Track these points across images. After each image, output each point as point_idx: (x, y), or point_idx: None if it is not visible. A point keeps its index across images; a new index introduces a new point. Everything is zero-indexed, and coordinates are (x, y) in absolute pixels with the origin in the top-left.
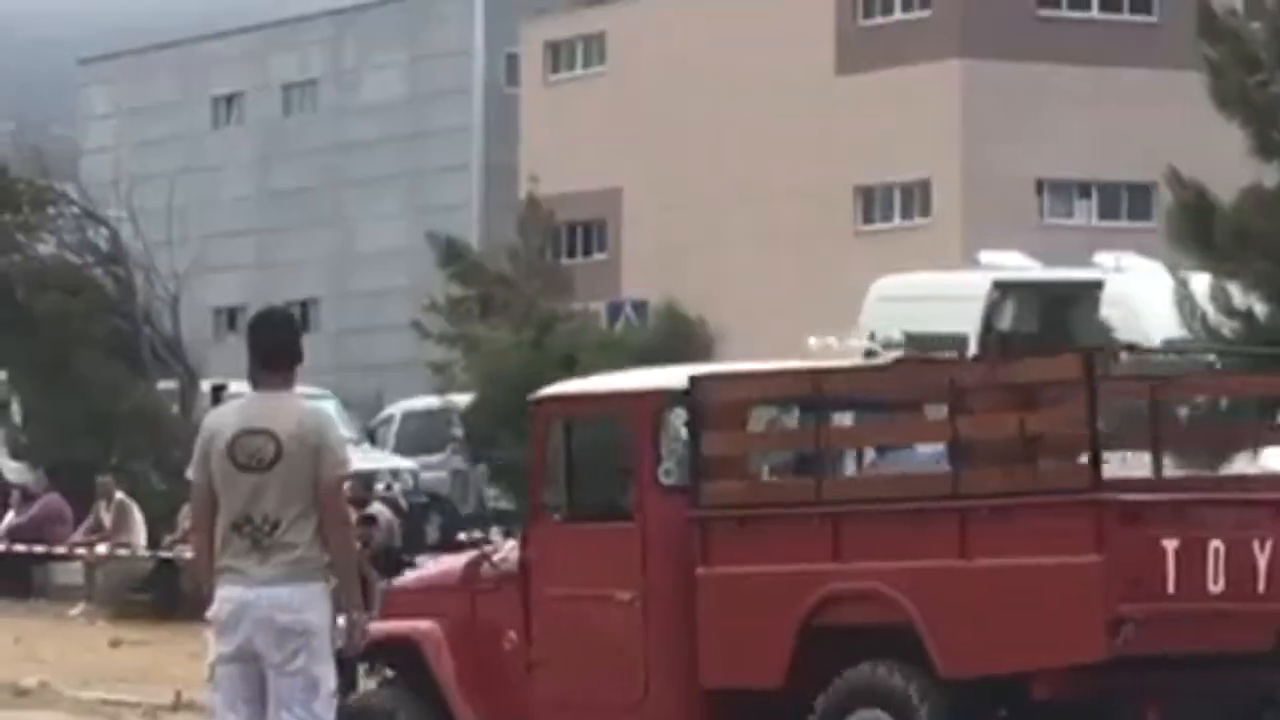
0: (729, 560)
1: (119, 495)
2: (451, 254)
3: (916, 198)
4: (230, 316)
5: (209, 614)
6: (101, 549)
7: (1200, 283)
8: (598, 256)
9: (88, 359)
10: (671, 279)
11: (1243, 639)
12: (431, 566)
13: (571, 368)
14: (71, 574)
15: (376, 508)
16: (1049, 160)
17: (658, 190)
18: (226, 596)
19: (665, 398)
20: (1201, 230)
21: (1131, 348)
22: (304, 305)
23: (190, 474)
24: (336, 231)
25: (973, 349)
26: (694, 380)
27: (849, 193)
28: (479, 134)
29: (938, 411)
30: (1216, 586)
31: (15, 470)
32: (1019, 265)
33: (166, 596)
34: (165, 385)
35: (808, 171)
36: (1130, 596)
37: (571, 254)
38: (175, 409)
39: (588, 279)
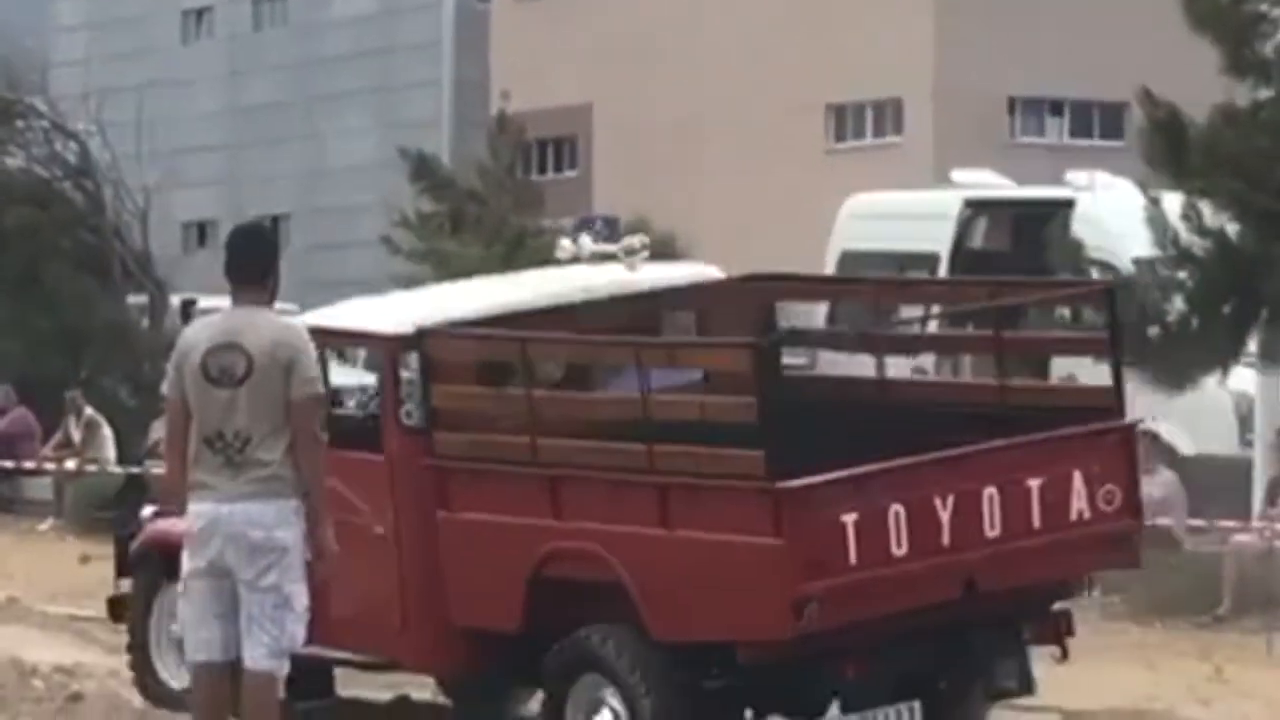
0: (465, 507)
1: (88, 410)
2: (422, 170)
3: (889, 116)
4: (200, 231)
5: (181, 528)
6: (70, 464)
7: (1172, 202)
8: (569, 173)
9: (57, 273)
10: (643, 196)
11: (931, 593)
12: None
13: None
14: (40, 489)
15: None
16: (1020, 79)
17: (629, 107)
18: (198, 512)
19: (401, 342)
20: (1173, 149)
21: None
22: (274, 220)
23: (164, 389)
24: (306, 147)
25: (944, 267)
26: (421, 332)
27: (820, 111)
28: (449, 49)
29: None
30: (900, 549)
31: None
32: (991, 183)
33: (135, 512)
34: (135, 300)
35: (779, 89)
36: (812, 576)
37: (543, 170)
38: (145, 324)
39: (559, 196)
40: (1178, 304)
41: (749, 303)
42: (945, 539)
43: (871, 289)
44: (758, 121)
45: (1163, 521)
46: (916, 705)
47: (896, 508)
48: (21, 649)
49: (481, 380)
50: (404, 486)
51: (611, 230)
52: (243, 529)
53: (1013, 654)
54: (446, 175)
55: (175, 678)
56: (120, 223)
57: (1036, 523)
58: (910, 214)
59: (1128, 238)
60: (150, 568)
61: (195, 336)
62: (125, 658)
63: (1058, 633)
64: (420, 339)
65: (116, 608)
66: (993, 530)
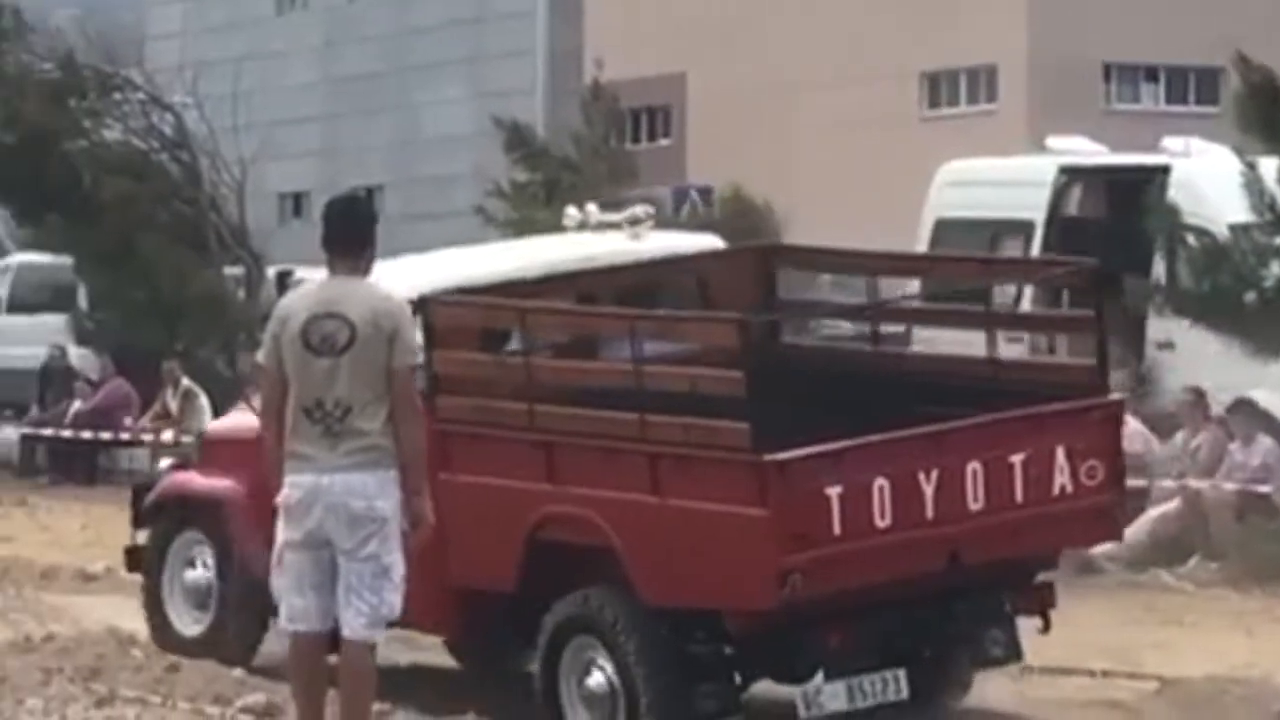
0: (465, 469)
1: (185, 381)
2: (516, 139)
3: (983, 83)
4: (295, 202)
5: (278, 499)
6: (167, 435)
7: (1268, 167)
8: (662, 142)
9: (153, 245)
10: (736, 165)
11: (915, 565)
12: (236, 420)
13: None
14: (137, 460)
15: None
16: (1115, 44)
17: (723, 75)
18: (296, 482)
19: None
20: (1269, 114)
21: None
22: (369, 191)
23: (260, 358)
24: (401, 117)
25: (1039, 234)
26: (423, 299)
27: (915, 78)
28: (543, 18)
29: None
30: (884, 522)
31: (81, 356)
32: (1086, 150)
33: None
34: (231, 271)
35: (873, 57)
36: (796, 548)
37: (636, 139)
38: (241, 295)
39: (652, 165)
40: (1274, 269)
41: (751, 273)
42: (929, 512)
43: (873, 262)
44: (851, 89)
45: (1261, 489)
46: (901, 673)
47: (880, 481)
48: (120, 618)
49: (482, 346)
50: None
51: (705, 199)
52: (343, 499)
53: (998, 622)
54: (541, 144)
55: (185, 625)
56: (216, 194)
57: (1019, 497)
58: (1005, 181)
59: (1224, 204)
60: (165, 519)
61: (293, 305)
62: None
63: (1041, 603)
64: (423, 305)
65: (133, 557)
66: (976, 504)
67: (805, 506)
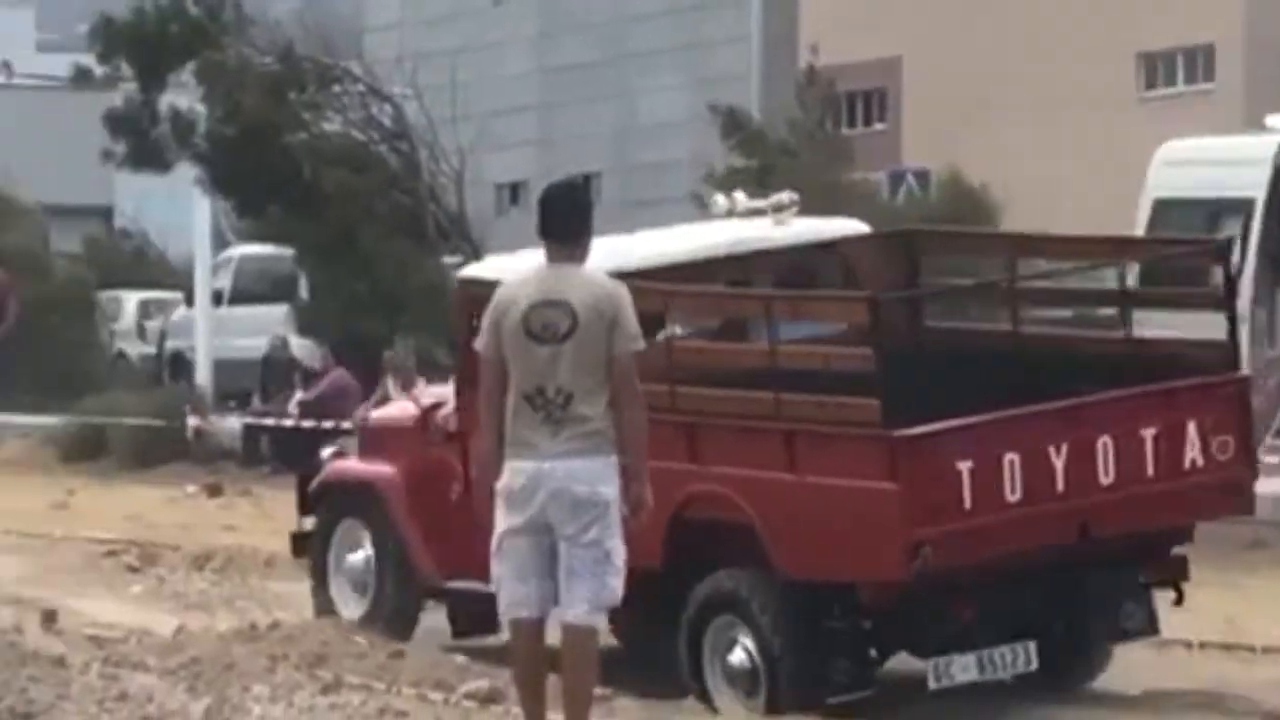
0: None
1: (406, 368)
2: (733, 125)
3: (1200, 63)
4: (513, 192)
5: (498, 486)
6: None
7: None
8: (877, 126)
9: (373, 235)
10: (952, 148)
11: (1046, 538)
12: (394, 409)
13: None
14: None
15: None
16: None
17: (938, 58)
18: (518, 469)
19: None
20: None
21: None
22: (586, 178)
23: (479, 346)
24: (617, 105)
25: (1260, 213)
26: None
27: (1131, 59)
28: (758, 4)
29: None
30: (1014, 496)
31: (302, 347)
32: None
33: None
34: (450, 261)
35: (1089, 38)
36: (928, 520)
37: (852, 124)
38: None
39: (868, 149)
40: None
41: (895, 256)
42: (1059, 486)
43: (1011, 243)
44: (1068, 71)
45: None
46: (1032, 645)
47: (1011, 455)
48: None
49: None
50: None
51: (922, 183)
52: (566, 485)
53: (1133, 595)
54: (757, 130)
55: (347, 608)
56: (435, 185)
57: (1150, 471)
58: (1225, 160)
59: None
60: (329, 505)
61: (513, 293)
62: (309, 590)
63: (1174, 576)
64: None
65: (298, 543)
66: (1106, 478)
67: (935, 480)
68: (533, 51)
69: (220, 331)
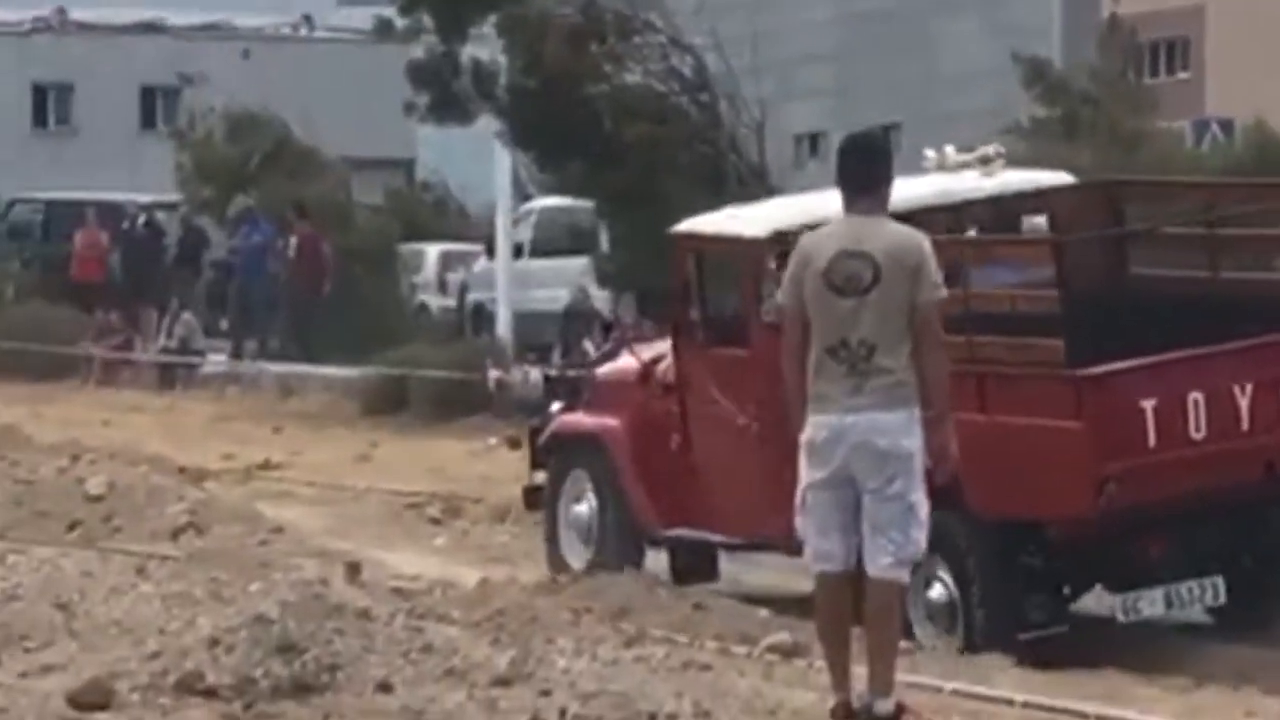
0: None
1: None
2: (1035, 75)
3: None
4: (811, 142)
5: (801, 439)
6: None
7: None
8: (1181, 75)
9: (674, 187)
10: (1256, 96)
11: (1231, 475)
12: (619, 364)
13: None
14: None
15: None
16: None
17: (1242, 6)
18: (821, 422)
19: (761, 245)
20: None
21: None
22: (885, 129)
23: (780, 298)
24: (918, 54)
25: None
26: (778, 234)
27: None
28: None
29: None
30: (1199, 434)
31: (602, 298)
32: None
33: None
34: None
35: None
36: (1112, 456)
37: (1154, 73)
38: None
39: (1171, 98)
40: None
41: (1098, 205)
42: (1244, 424)
43: (1212, 190)
44: None
45: None
46: (1220, 580)
47: (1195, 394)
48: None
49: None
50: (764, 377)
51: (1227, 132)
52: (869, 437)
53: None
54: (1059, 79)
55: (573, 557)
56: (736, 136)
57: None
58: None
59: None
60: (557, 459)
61: (815, 246)
62: (541, 543)
63: None
64: (778, 240)
65: (530, 496)
66: None
67: (1119, 418)
68: (832, 1)
69: (521, 284)
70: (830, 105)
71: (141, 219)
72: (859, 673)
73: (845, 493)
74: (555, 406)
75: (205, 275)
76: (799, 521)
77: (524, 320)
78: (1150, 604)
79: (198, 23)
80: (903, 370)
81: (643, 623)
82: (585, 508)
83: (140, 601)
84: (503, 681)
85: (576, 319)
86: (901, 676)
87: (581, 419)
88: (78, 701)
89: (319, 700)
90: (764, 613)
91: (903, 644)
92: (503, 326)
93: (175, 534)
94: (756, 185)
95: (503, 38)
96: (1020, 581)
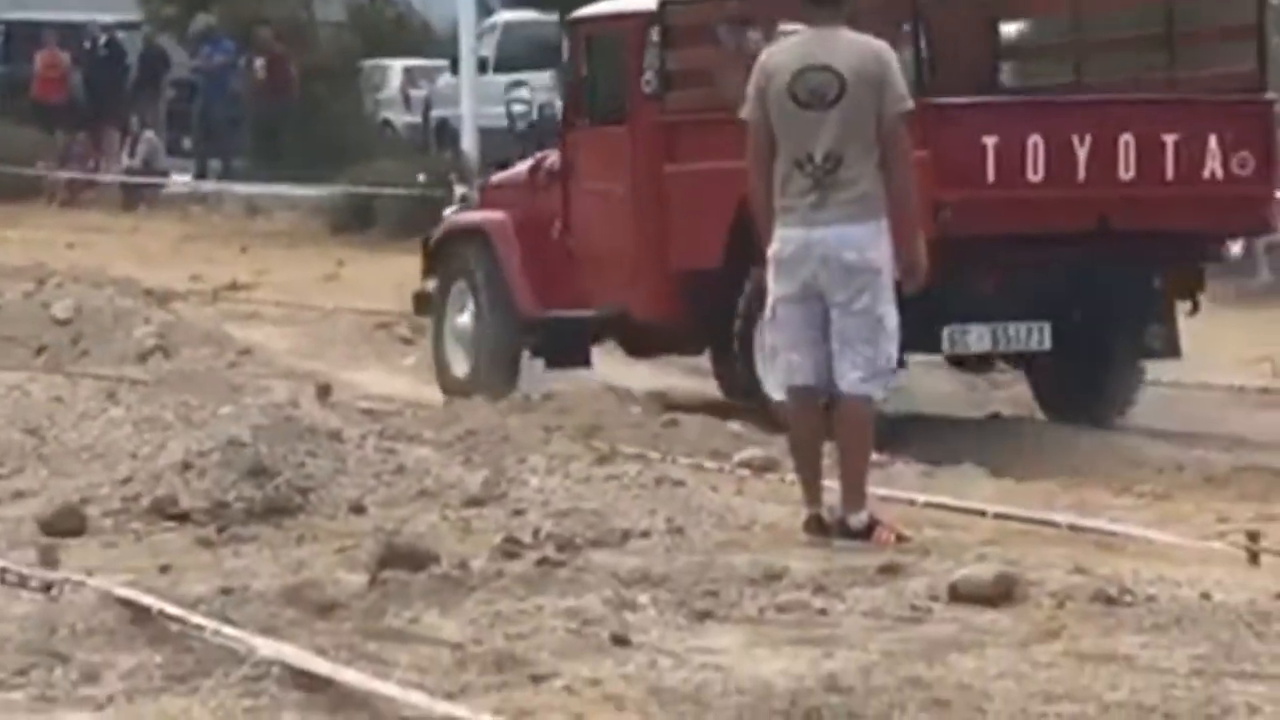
0: (687, 158)
1: None
2: None
3: None
4: None
5: (769, 253)
6: None
7: None
8: None
9: None
10: None
11: (1064, 223)
12: (515, 168)
13: None
14: None
15: None
16: None
17: None
18: (788, 237)
19: (646, 18)
20: None
21: None
22: None
23: (744, 113)
24: None
25: None
26: (661, 4)
27: None
28: None
29: None
30: (1036, 176)
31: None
32: None
33: None
34: None
35: None
36: (950, 185)
37: None
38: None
39: None
40: None
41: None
42: (1080, 175)
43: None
44: None
45: None
46: (1046, 326)
47: (1035, 138)
48: (618, 377)
49: (712, 41)
50: (640, 147)
51: None
52: (836, 251)
53: (1153, 310)
54: None
55: (458, 365)
56: None
57: (1169, 174)
58: None
59: None
60: (446, 264)
61: (778, 60)
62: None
63: (1190, 287)
64: (660, 15)
65: (420, 302)
66: (1127, 174)
67: (961, 150)
68: None
69: (485, 99)
70: None
71: (103, 39)
72: (831, 486)
73: (814, 307)
74: (449, 211)
75: (166, 94)
76: (768, 336)
77: (489, 135)
78: (978, 339)
79: None
80: (869, 182)
81: (614, 440)
82: (468, 318)
83: (110, 426)
84: (475, 501)
85: (542, 132)
86: (874, 489)
87: (469, 215)
88: (50, 527)
89: (291, 523)
90: (735, 427)
91: (874, 457)
92: (468, 142)
93: (143, 357)
94: None
95: None
96: None
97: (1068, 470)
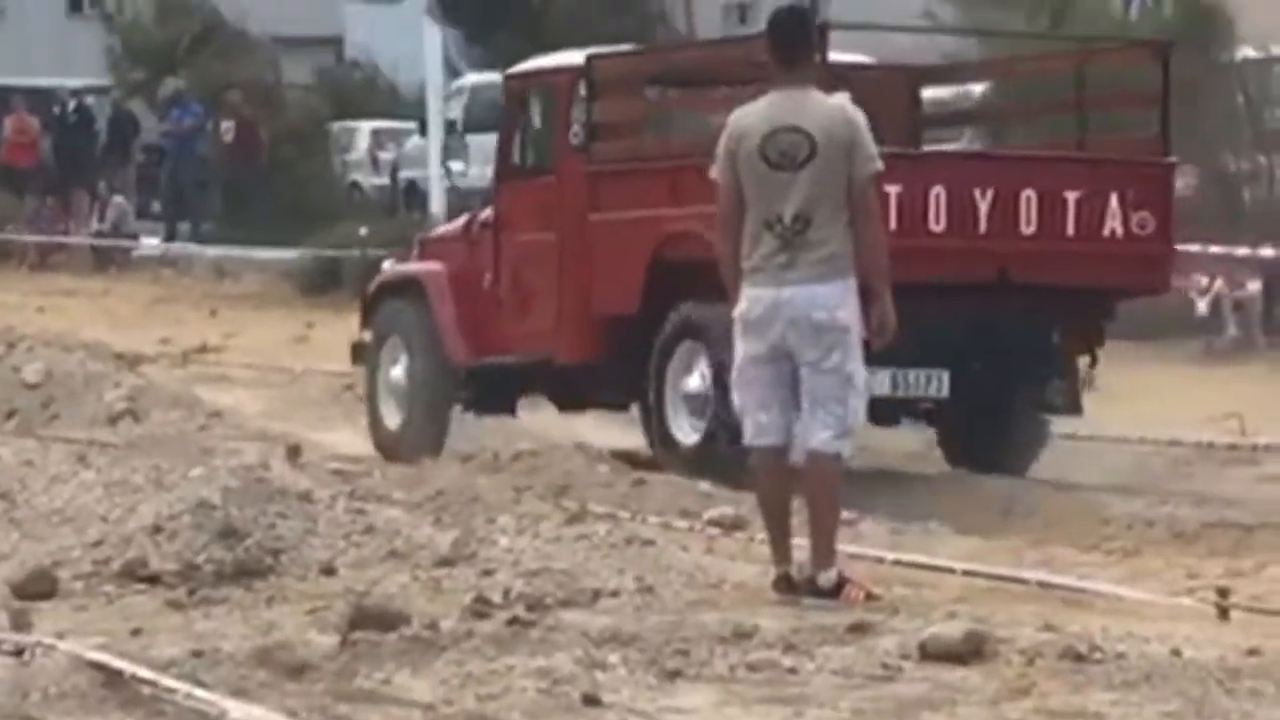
0: (609, 207)
1: None
2: None
3: None
4: (740, 12)
5: (736, 313)
6: None
7: None
8: None
9: None
10: None
11: (965, 273)
12: (454, 223)
13: None
14: None
15: None
16: None
17: None
18: (757, 296)
19: (575, 73)
20: None
21: None
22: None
23: (714, 174)
24: None
25: None
26: (589, 59)
27: None
28: None
29: None
30: (938, 226)
31: None
32: None
33: None
34: None
35: None
36: None
37: None
38: None
39: None
40: None
41: (895, 85)
42: (982, 227)
43: (999, 68)
44: None
45: None
46: (945, 374)
47: (938, 190)
48: (588, 434)
49: (635, 95)
50: (568, 197)
51: None
52: (805, 311)
53: (1053, 365)
54: None
55: (390, 418)
56: (664, 6)
57: (1070, 230)
58: None
59: None
60: (381, 316)
61: (748, 121)
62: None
63: (1089, 341)
64: (589, 65)
65: (356, 352)
66: (1028, 228)
67: None
68: None
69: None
70: None
71: (72, 104)
72: (800, 544)
73: (783, 366)
74: (387, 264)
75: (136, 159)
76: (736, 396)
77: (457, 196)
78: (879, 383)
79: None
80: (838, 242)
81: (584, 499)
82: (401, 370)
83: (81, 489)
84: (445, 562)
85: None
86: (843, 547)
87: (405, 267)
88: (21, 590)
89: (262, 584)
90: (705, 486)
91: (843, 515)
92: (436, 203)
93: (114, 420)
94: None
95: None
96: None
97: (1036, 527)
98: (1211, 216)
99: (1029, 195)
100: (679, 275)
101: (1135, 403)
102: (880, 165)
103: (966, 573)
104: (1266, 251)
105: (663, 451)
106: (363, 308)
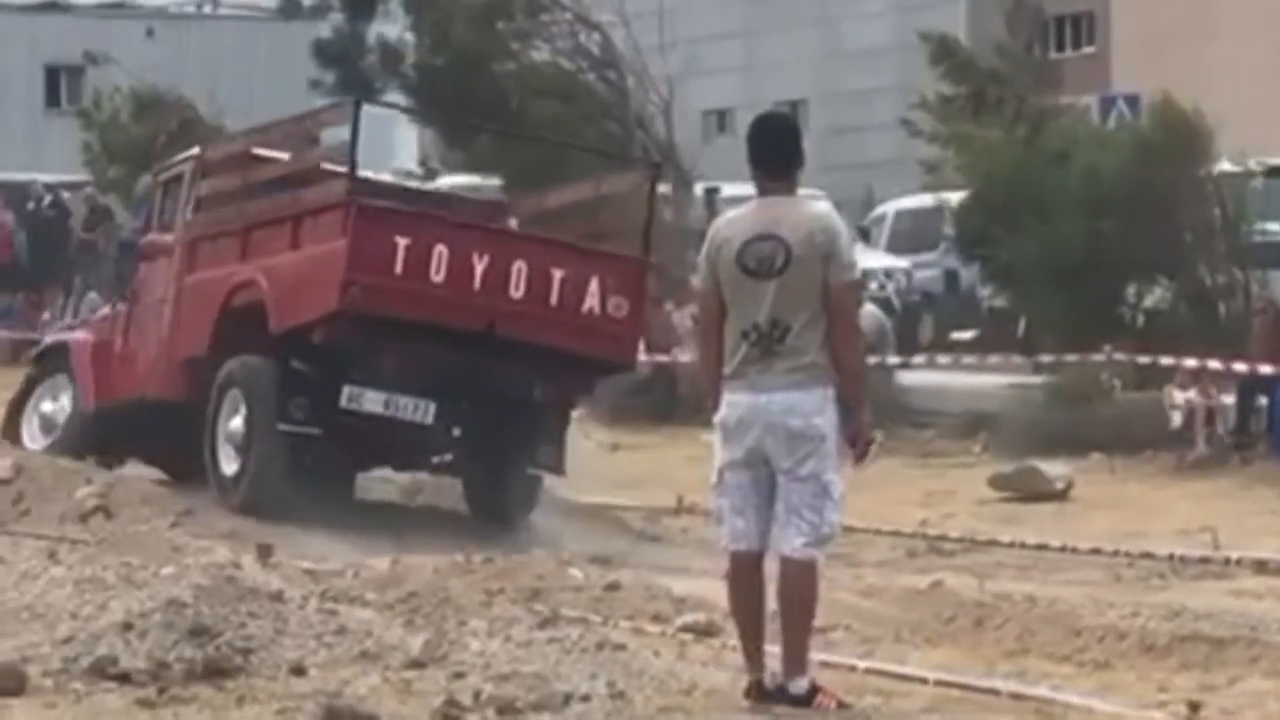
0: (197, 269)
1: None
2: (942, 52)
3: None
4: (720, 119)
5: (716, 419)
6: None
7: None
8: (1086, 50)
9: (580, 165)
10: (1162, 71)
11: (460, 320)
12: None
13: (1065, 164)
14: None
15: (868, 309)
16: None
17: None
18: (735, 402)
19: (197, 159)
20: None
21: None
22: (793, 106)
23: (696, 282)
24: (822, 31)
25: None
26: (203, 146)
27: None
28: None
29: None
30: (438, 276)
31: None
32: None
33: (663, 400)
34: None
35: None
36: (360, 270)
37: (1060, 48)
38: (668, 214)
39: (1077, 73)
40: None
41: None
42: (476, 284)
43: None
44: None
45: None
46: (432, 405)
47: (441, 247)
48: (558, 540)
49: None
50: (178, 260)
51: (1133, 108)
52: (782, 418)
53: (538, 425)
54: (966, 56)
55: (33, 442)
56: (644, 113)
57: (553, 301)
58: None
59: None
60: (39, 367)
61: (728, 229)
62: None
63: (564, 407)
64: (203, 150)
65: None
66: (517, 292)
67: (374, 242)
68: None
69: None
70: (737, 82)
71: (47, 199)
72: (773, 651)
73: (760, 471)
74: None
75: (111, 254)
76: (714, 500)
77: None
78: (372, 402)
79: (101, 1)
80: (816, 351)
81: (556, 603)
82: (52, 405)
83: (52, 586)
84: (417, 664)
85: None
86: (815, 655)
87: (63, 335)
88: None
89: (232, 684)
90: (678, 591)
91: (816, 623)
92: None
93: (85, 517)
94: (665, 162)
95: (410, 15)
96: (289, 387)
97: (1009, 638)
98: (1186, 329)
99: (519, 266)
100: (243, 323)
101: (1110, 514)
102: (857, 273)
103: (939, 682)
104: (1240, 366)
105: (213, 478)
106: (35, 361)
